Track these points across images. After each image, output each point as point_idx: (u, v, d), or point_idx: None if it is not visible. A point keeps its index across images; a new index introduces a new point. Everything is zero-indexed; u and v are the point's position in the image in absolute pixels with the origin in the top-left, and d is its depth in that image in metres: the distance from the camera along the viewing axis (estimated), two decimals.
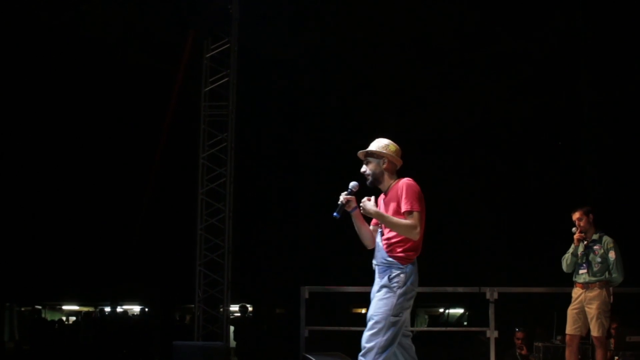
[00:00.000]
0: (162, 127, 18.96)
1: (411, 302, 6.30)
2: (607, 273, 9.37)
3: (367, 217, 6.43)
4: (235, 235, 13.90)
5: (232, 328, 17.71)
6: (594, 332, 9.34)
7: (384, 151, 6.46)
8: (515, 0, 18.02)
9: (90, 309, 27.59)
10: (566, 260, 9.65)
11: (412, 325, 22.24)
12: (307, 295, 11.44)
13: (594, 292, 9.37)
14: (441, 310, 24.54)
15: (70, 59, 19.01)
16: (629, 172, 17.12)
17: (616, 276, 9.37)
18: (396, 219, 6.22)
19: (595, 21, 17.29)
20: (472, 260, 18.59)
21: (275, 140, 20.02)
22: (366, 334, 6.14)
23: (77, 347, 20.88)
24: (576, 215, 9.61)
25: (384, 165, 6.46)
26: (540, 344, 11.19)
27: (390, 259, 6.25)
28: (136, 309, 27.12)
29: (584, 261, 9.50)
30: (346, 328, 11.71)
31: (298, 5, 16.87)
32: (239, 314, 19.90)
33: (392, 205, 6.31)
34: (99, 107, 20.13)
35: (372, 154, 6.48)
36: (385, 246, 6.31)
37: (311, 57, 18.17)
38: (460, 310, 23.51)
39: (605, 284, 9.37)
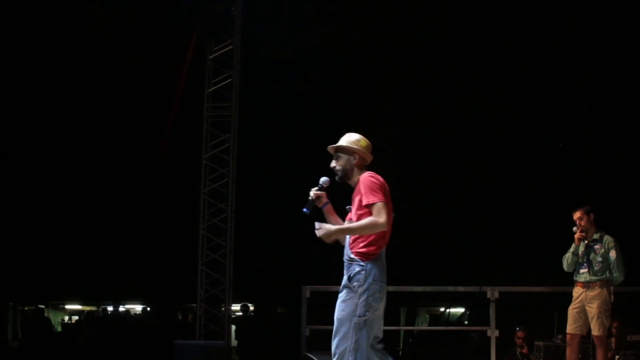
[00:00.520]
0: (165, 127, 19.00)
1: (380, 300, 6.19)
2: (607, 272, 9.42)
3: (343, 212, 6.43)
4: (237, 235, 13.95)
5: (233, 327, 17.77)
6: (595, 331, 9.38)
7: (355, 147, 6.33)
8: (515, 1, 18.05)
9: (93, 308, 27.65)
10: (567, 259, 9.69)
11: (413, 324, 22.39)
12: (308, 295, 11.49)
13: (595, 292, 9.41)
14: (442, 309, 24.55)
15: (73, 59, 19.02)
16: (629, 171, 17.15)
17: (617, 275, 9.42)
18: (357, 224, 6.09)
19: (595, 21, 17.32)
20: (473, 259, 18.61)
21: (277, 141, 20.06)
22: (334, 339, 6.08)
23: (79, 346, 20.95)
24: (577, 215, 9.65)
25: (355, 162, 6.33)
26: (541, 343, 11.24)
27: (352, 255, 6.16)
28: (138, 308, 27.16)
29: (584, 260, 9.54)
30: None
31: (300, 6, 16.90)
32: (240, 313, 19.98)
33: (356, 202, 6.22)
34: (102, 108, 20.15)
35: (343, 150, 6.36)
36: (350, 242, 6.23)
37: (314, 57, 18.19)
38: (461, 310, 23.53)
39: (606, 283, 9.41)
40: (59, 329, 25.80)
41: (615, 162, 17.55)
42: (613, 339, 11.09)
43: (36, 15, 18.03)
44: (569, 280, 9.83)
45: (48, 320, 23.15)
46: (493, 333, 11.32)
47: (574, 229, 9.65)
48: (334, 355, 6.06)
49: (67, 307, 30.15)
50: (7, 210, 20.53)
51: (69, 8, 18.10)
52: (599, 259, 9.45)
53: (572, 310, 9.62)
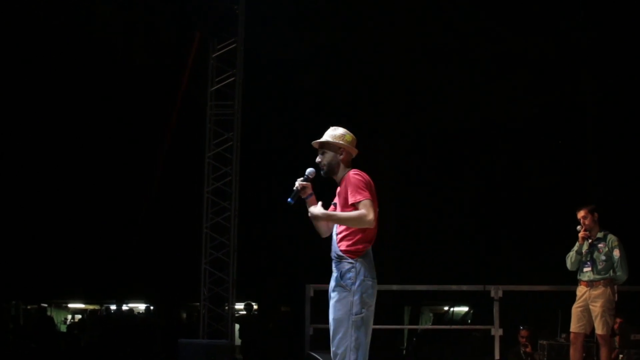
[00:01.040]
0: (168, 127, 19.00)
1: (373, 297, 6.13)
2: (611, 271, 9.40)
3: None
4: (240, 234, 13.94)
5: (237, 326, 17.77)
6: (599, 330, 9.37)
7: (341, 142, 6.27)
8: (518, 1, 18.03)
9: (96, 307, 27.63)
10: (570, 258, 9.67)
11: (417, 323, 22.36)
12: (312, 294, 11.48)
13: (599, 290, 9.39)
14: (446, 308, 24.54)
15: (76, 59, 19.04)
16: (633, 170, 17.14)
17: (620, 274, 9.40)
18: (345, 214, 6.06)
19: (597, 21, 17.30)
20: (477, 258, 18.61)
21: (280, 139, 20.06)
22: (334, 340, 6.04)
23: (82, 345, 20.95)
24: (581, 214, 9.63)
25: (341, 157, 6.27)
26: (544, 342, 11.22)
27: (340, 253, 6.10)
28: (141, 307, 27.17)
29: (588, 259, 9.53)
30: None
31: (304, 5, 16.90)
32: (244, 312, 19.95)
33: (342, 198, 6.17)
34: (105, 108, 20.16)
35: (329, 145, 6.30)
36: (337, 240, 6.18)
37: (317, 56, 18.19)
38: (465, 309, 23.52)
39: (609, 282, 9.39)
40: (63, 328, 25.81)
41: (619, 161, 17.53)
42: (617, 338, 11.09)
43: (39, 15, 18.04)
44: (572, 279, 9.81)
45: (51, 319, 23.14)
46: (497, 332, 11.31)
47: (578, 227, 9.63)
48: (335, 356, 6.03)
49: (70, 306, 30.15)
50: (11, 209, 20.55)
51: (72, 8, 18.11)
52: (603, 257, 9.44)
53: (575, 309, 9.60)
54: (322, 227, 6.38)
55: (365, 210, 5.99)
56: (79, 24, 18.26)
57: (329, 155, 6.30)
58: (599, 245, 9.50)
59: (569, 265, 9.72)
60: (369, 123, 18.64)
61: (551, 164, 18.81)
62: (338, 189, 6.36)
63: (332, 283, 6.16)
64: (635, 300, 11.65)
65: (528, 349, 12.10)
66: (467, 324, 21.05)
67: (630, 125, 17.30)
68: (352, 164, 6.37)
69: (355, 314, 6.01)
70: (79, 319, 27.50)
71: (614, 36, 17.07)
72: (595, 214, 9.61)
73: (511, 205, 19.17)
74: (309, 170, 6.30)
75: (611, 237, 9.52)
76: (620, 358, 10.93)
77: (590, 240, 9.54)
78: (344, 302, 6.03)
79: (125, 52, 18.92)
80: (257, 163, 19.11)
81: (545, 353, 11.06)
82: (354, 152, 6.35)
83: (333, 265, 6.23)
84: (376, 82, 19.35)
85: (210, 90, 14.07)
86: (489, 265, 17.86)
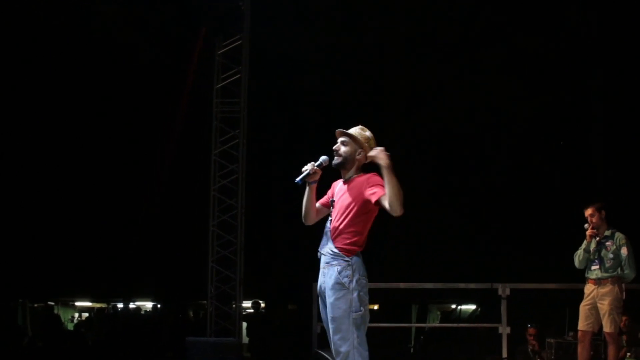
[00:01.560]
0: (174, 123, 19.00)
1: (367, 295, 6.11)
2: (619, 269, 9.38)
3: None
4: (247, 232, 13.93)
5: (244, 324, 17.76)
6: (606, 328, 9.35)
7: (366, 143, 6.23)
8: None
9: (103, 305, 27.64)
10: (578, 256, 9.65)
11: (425, 321, 22.34)
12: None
13: (606, 288, 9.37)
14: (453, 306, 24.50)
15: (80, 56, 19.03)
16: None
17: (628, 272, 9.37)
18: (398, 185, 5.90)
19: (606, 16, 17.24)
20: (484, 256, 18.56)
21: (286, 137, 20.04)
22: (335, 338, 6.00)
23: (89, 343, 20.96)
24: (588, 212, 9.62)
25: (359, 156, 6.22)
26: (552, 340, 11.19)
27: (336, 250, 6.09)
28: (148, 305, 27.15)
29: (596, 257, 9.50)
30: None
31: (309, 2, 16.87)
32: (251, 310, 19.94)
33: (354, 195, 6.10)
34: (111, 105, 20.16)
35: (354, 139, 6.24)
36: (332, 235, 6.16)
37: (323, 53, 18.17)
38: (472, 307, 23.48)
39: (617, 280, 9.37)
40: (70, 327, 25.82)
41: (627, 158, 17.47)
42: (624, 336, 11.06)
43: (43, 14, 18.04)
44: (580, 277, 9.79)
45: (58, 317, 23.16)
46: (504, 330, 11.30)
47: (586, 225, 9.61)
48: (338, 354, 5.98)
49: (77, 304, 30.15)
50: (17, 207, 20.57)
51: (76, 5, 18.11)
52: (611, 255, 9.41)
53: (583, 307, 9.58)
54: (311, 212, 6.40)
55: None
56: (83, 21, 18.24)
57: (350, 148, 6.24)
58: (607, 243, 9.48)
59: (576, 263, 9.70)
60: (375, 120, 18.60)
61: (559, 161, 18.76)
62: (338, 184, 6.36)
63: (329, 280, 6.12)
64: None
65: (536, 347, 12.08)
66: (474, 322, 21.01)
67: (638, 122, 17.23)
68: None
69: (355, 312, 5.99)
70: (86, 317, 27.51)
71: (624, 31, 16.99)
72: (603, 212, 9.59)
73: (519, 203, 19.12)
74: (323, 157, 6.28)
75: (619, 235, 9.50)
76: (628, 356, 10.91)
77: (598, 238, 9.53)
78: (343, 300, 6.01)
79: (129, 50, 18.89)
80: (264, 160, 19.11)
81: (553, 351, 11.02)
82: (369, 158, 6.29)
83: (323, 261, 6.23)
84: (383, 80, 19.34)
85: (216, 87, 14.06)
86: (496, 263, 17.80)
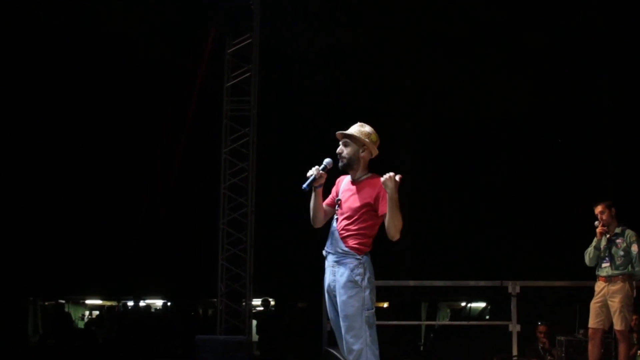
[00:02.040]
0: (185, 121, 19.01)
1: (375, 294, 6.14)
2: (630, 266, 9.38)
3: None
4: (257, 230, 13.94)
5: (254, 322, 17.77)
6: (617, 325, 9.34)
7: (367, 140, 6.24)
8: None
9: (113, 303, 27.71)
10: (589, 253, 9.65)
11: (434, 319, 22.34)
12: None
13: (617, 286, 9.37)
14: (463, 304, 24.50)
15: (89, 54, 19.04)
16: None
17: (639, 269, 9.36)
18: (399, 214, 5.93)
19: (615, 12, 17.18)
20: (494, 254, 18.55)
21: (296, 135, 20.04)
22: (347, 336, 6.01)
23: (100, 341, 21.01)
24: (598, 209, 9.62)
25: (363, 154, 6.24)
26: (562, 338, 11.18)
27: (346, 249, 6.09)
28: (159, 303, 27.21)
29: (606, 255, 9.51)
30: None
31: (319, 0, 16.88)
32: (261, 308, 19.96)
33: (365, 199, 6.11)
34: (121, 104, 20.18)
35: (355, 139, 6.25)
36: (341, 235, 6.17)
37: (333, 51, 18.15)
38: (482, 304, 23.47)
39: (628, 277, 9.37)
40: (80, 325, 25.90)
41: (637, 155, 17.42)
42: (635, 334, 11.05)
43: (54, 12, 18.06)
44: (590, 274, 9.78)
45: (68, 315, 23.23)
46: (514, 328, 11.31)
47: (596, 223, 9.61)
48: (351, 352, 6.00)
49: (88, 302, 30.24)
50: (28, 205, 20.62)
51: (86, 4, 18.13)
52: (621, 253, 9.42)
53: (594, 305, 9.58)
54: (319, 215, 6.41)
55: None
56: (92, 20, 18.25)
57: (352, 149, 6.26)
58: (617, 240, 9.48)
59: (587, 261, 9.70)
60: (386, 117, 18.62)
61: (569, 158, 18.72)
62: (347, 182, 6.36)
63: (341, 279, 6.11)
64: None
65: (546, 345, 12.07)
66: (484, 319, 20.99)
67: None
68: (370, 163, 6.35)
69: (367, 310, 6.02)
70: (97, 316, 27.59)
71: (634, 28, 16.93)
72: (613, 209, 9.60)
73: (528, 200, 19.10)
74: (327, 160, 6.28)
75: (629, 232, 9.50)
76: (638, 354, 10.90)
77: (608, 236, 9.53)
78: (356, 297, 6.03)
79: (139, 48, 18.90)
80: (274, 158, 19.11)
81: (563, 349, 11.01)
82: (375, 152, 6.33)
83: (329, 260, 6.24)
84: (393, 77, 19.29)
85: (226, 85, 14.07)
86: (507, 260, 17.79)
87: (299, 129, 20.03)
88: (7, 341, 18.90)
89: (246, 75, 13.98)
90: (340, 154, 6.29)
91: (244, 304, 13.86)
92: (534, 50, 18.28)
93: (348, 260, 6.09)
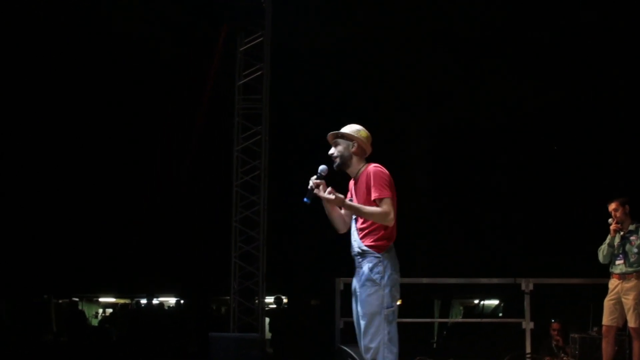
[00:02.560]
0: (196, 120, 19.03)
1: (399, 292, 6.19)
2: None
3: None
4: (270, 227, 13.93)
5: (267, 320, 17.79)
6: (631, 323, 9.32)
7: (356, 135, 6.33)
8: None
9: (127, 301, 27.78)
10: (602, 251, 9.63)
11: (447, 316, 22.32)
12: (342, 287, 11.50)
13: (631, 283, 9.35)
14: (476, 301, 24.49)
15: (101, 52, 19.07)
16: None
17: None
18: (368, 208, 6.08)
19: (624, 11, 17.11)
20: (507, 251, 18.51)
21: (308, 133, 20.02)
22: (366, 334, 6.04)
23: (114, 339, 21.06)
24: (612, 206, 9.60)
25: (353, 149, 6.31)
26: (576, 335, 11.14)
27: (365, 248, 6.13)
28: (172, 301, 27.27)
29: (620, 252, 9.48)
30: None
31: None
32: (274, 306, 19.99)
33: (362, 192, 6.19)
34: (135, 102, 20.21)
35: (342, 136, 6.36)
36: (359, 235, 6.21)
37: (345, 49, 18.13)
38: (496, 302, 23.46)
39: None
40: (94, 322, 25.97)
41: None
42: None
43: (66, 10, 18.10)
44: (604, 272, 9.76)
45: (82, 313, 23.29)
46: (528, 325, 11.30)
47: (610, 220, 9.58)
48: (368, 350, 6.03)
49: (101, 300, 30.34)
50: (42, 202, 20.67)
51: (97, 1, 18.17)
52: (635, 250, 9.39)
53: (607, 302, 9.56)
54: (339, 222, 6.44)
55: (388, 208, 6.04)
56: (104, 18, 18.28)
57: (342, 146, 6.35)
58: (631, 237, 9.46)
59: (601, 258, 9.68)
60: (399, 115, 18.59)
61: (583, 156, 18.66)
62: (351, 183, 6.43)
63: (360, 278, 6.15)
64: None
65: (560, 343, 12.04)
66: (497, 317, 20.97)
67: None
68: (369, 160, 6.41)
69: (387, 308, 6.05)
70: (110, 313, 27.70)
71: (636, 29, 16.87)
72: (627, 207, 9.58)
73: (543, 198, 19.05)
74: (322, 167, 6.30)
75: None
76: None
77: (622, 233, 9.50)
78: (375, 296, 6.05)
79: (150, 47, 18.92)
80: (286, 156, 19.11)
81: (577, 346, 10.98)
82: (368, 149, 6.40)
83: (356, 261, 6.26)
84: (406, 75, 19.25)
85: (238, 84, 14.05)
86: (520, 258, 17.75)
87: (311, 126, 20.01)
88: (30, 339, 19.03)
89: (258, 73, 13.95)
90: (332, 154, 6.39)
91: (256, 301, 13.85)
92: (538, 51, 18.21)
93: (368, 259, 6.13)
